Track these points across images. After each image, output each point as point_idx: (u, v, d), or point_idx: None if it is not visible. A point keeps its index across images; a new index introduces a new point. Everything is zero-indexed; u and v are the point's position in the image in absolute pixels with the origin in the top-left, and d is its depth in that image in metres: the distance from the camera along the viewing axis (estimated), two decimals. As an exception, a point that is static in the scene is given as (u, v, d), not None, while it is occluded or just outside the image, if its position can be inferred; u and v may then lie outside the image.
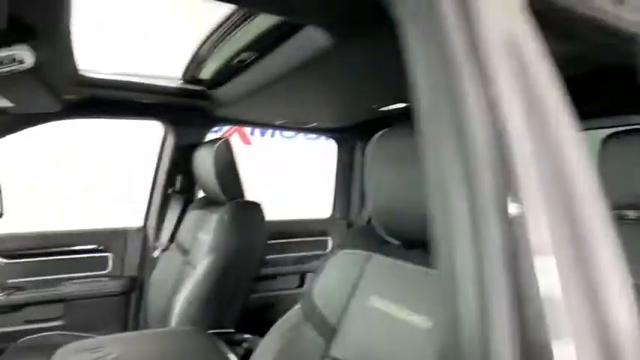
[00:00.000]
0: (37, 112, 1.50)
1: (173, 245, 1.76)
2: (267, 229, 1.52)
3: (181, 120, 1.82)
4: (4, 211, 1.83)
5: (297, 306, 0.95)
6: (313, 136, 2.70)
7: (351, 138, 2.25)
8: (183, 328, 1.28)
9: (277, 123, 1.98)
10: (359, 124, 2.01)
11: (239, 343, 1.32)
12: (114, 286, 1.79)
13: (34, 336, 1.58)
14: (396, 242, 0.82)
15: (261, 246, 1.47)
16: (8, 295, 1.59)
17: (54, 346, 1.52)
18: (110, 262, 1.82)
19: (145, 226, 1.91)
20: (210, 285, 1.33)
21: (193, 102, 1.68)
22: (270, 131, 3.82)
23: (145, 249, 1.88)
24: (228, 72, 1.38)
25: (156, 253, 1.84)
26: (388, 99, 1.49)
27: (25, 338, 1.55)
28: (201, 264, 1.37)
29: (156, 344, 1.14)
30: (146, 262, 1.87)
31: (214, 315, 1.37)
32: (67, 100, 1.47)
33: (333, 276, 0.90)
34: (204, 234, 1.54)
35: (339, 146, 2.32)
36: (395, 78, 0.70)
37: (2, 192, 1.82)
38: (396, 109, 1.59)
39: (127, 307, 1.84)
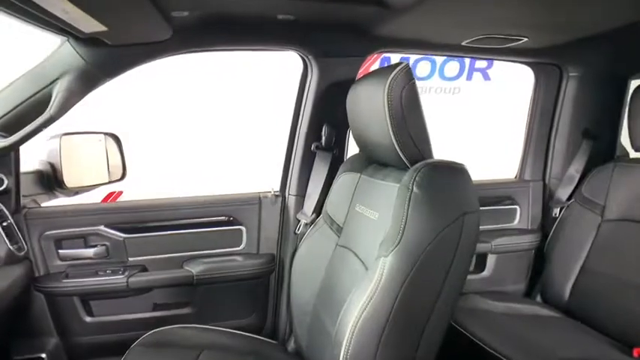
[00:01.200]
0: (140, 40, 1.13)
1: (320, 219, 1.30)
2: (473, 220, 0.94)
3: (329, 46, 1.30)
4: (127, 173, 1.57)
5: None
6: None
7: (565, 64, 1.57)
8: None
9: (465, 42, 1.34)
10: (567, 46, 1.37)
11: None
12: (249, 266, 1.42)
13: (161, 329, 1.27)
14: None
15: (471, 235, 0.89)
16: (130, 276, 1.31)
17: (189, 346, 1.22)
18: (244, 237, 1.45)
19: (283, 193, 1.49)
20: (394, 299, 0.81)
21: (351, 13, 1.14)
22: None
23: (286, 221, 1.48)
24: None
25: (298, 228, 1.41)
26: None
27: (151, 332, 1.25)
28: (374, 262, 0.86)
29: None
30: (287, 237, 1.47)
31: (404, 342, 0.86)
32: (179, 21, 1.08)
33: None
34: (366, 209, 1.04)
35: (539, 79, 1.65)
36: None
37: (124, 153, 1.56)
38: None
39: (265, 293, 1.48)
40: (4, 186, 1.18)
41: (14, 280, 1.14)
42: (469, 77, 3.24)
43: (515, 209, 1.71)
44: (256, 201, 1.44)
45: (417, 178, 0.82)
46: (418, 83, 0.93)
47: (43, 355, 1.27)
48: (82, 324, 1.33)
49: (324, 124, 1.38)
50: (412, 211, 0.80)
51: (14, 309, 1.23)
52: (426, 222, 0.80)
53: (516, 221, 1.71)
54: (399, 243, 0.80)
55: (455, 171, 0.87)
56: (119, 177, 1.53)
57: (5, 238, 1.14)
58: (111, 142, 1.54)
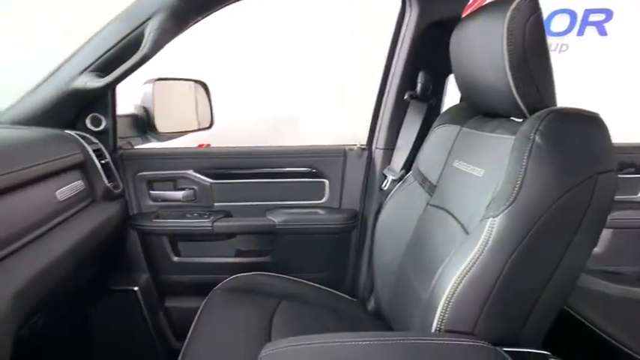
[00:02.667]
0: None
1: (410, 175, 1.19)
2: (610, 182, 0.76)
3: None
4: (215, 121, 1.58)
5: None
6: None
7: None
8: (461, 339, 0.71)
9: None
10: None
11: None
12: (331, 220, 1.37)
13: (242, 275, 1.29)
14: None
15: (604, 201, 0.72)
16: (216, 220, 1.32)
17: (269, 294, 1.22)
18: (327, 190, 1.40)
19: (369, 146, 1.40)
20: (502, 267, 0.69)
21: None
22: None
23: (371, 176, 1.39)
24: None
25: (385, 185, 1.32)
26: None
27: (232, 278, 1.27)
28: (477, 224, 0.75)
29: None
30: (372, 194, 1.39)
31: (506, 318, 0.75)
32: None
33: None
34: (467, 165, 0.90)
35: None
36: None
37: (212, 101, 1.57)
38: None
39: (345, 249, 1.42)
40: (102, 126, 1.22)
41: (112, 215, 1.19)
42: (580, 32, 2.81)
43: None
44: (341, 154, 1.37)
45: (540, 127, 0.67)
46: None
47: (135, 289, 1.34)
48: (170, 263, 1.38)
49: (421, 71, 1.25)
50: (532, 165, 0.66)
51: (112, 243, 1.30)
52: (549, 178, 0.65)
53: (640, 194, 1.47)
54: (513, 202, 0.67)
55: (588, 120, 0.70)
56: (207, 125, 1.55)
57: (104, 176, 1.18)
58: (200, 90, 1.55)
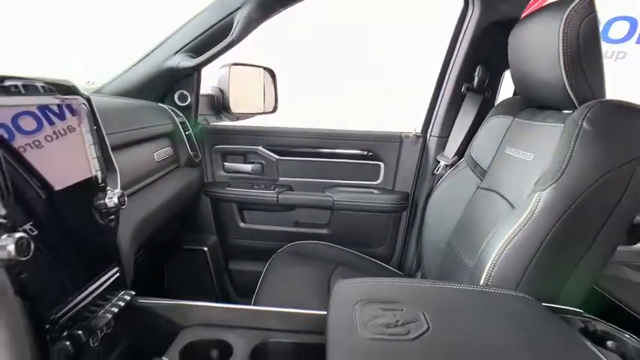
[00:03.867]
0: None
1: (463, 162, 1.28)
2: None
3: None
4: (279, 106, 1.73)
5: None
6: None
7: None
8: (507, 291, 0.81)
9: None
10: None
11: (602, 338, 0.77)
12: (384, 200, 1.48)
13: (301, 242, 1.43)
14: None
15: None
16: (280, 192, 1.47)
17: (324, 258, 1.35)
18: (382, 173, 1.51)
19: (425, 133, 1.50)
20: (545, 235, 0.78)
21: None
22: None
23: (424, 161, 1.49)
24: None
25: (438, 169, 1.42)
26: None
27: (293, 243, 1.41)
28: (526, 200, 0.84)
29: (482, 314, 0.69)
30: (423, 178, 1.49)
31: (547, 280, 0.84)
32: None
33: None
34: (519, 151, 0.99)
35: None
36: None
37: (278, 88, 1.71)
38: None
39: (396, 228, 1.53)
40: (187, 102, 1.39)
41: (192, 180, 1.36)
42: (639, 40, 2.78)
43: None
44: (397, 139, 1.48)
45: (588, 114, 0.76)
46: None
47: (205, 249, 1.51)
48: (237, 228, 1.54)
49: (479, 65, 1.34)
50: (579, 147, 0.76)
51: (189, 206, 1.48)
52: (592, 158, 0.75)
53: None
54: (559, 178, 0.76)
55: (632, 111, 0.78)
56: (271, 109, 1.70)
57: (188, 145, 1.35)
58: (268, 76, 1.70)
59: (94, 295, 0.66)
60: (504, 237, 0.80)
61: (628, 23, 2.75)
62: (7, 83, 0.55)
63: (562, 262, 0.81)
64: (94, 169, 0.68)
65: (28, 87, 0.58)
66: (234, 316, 0.79)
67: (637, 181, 0.75)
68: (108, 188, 0.71)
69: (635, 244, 1.47)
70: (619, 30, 2.77)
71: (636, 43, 2.78)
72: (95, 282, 0.67)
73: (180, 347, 0.72)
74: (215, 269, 1.53)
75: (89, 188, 0.67)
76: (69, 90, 0.67)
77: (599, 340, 0.74)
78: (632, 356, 0.68)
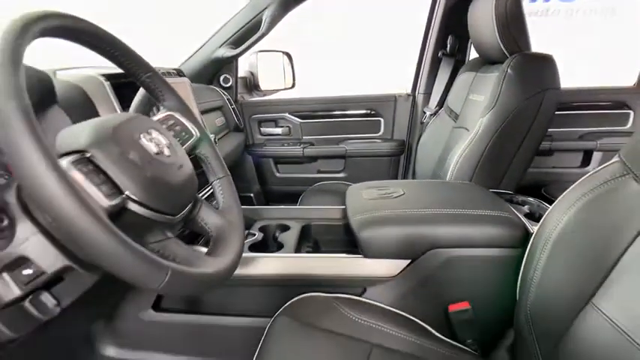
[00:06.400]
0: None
1: (442, 110, 1.70)
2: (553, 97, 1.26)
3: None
4: (296, 82, 2.15)
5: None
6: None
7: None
8: (460, 181, 1.25)
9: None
10: None
11: (521, 204, 1.21)
12: (385, 147, 1.91)
13: (324, 183, 1.87)
14: None
15: (549, 108, 1.24)
16: (305, 148, 1.90)
17: (340, 191, 1.79)
18: (382, 126, 1.94)
19: (414, 92, 1.92)
20: (486, 145, 1.23)
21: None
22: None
23: (414, 114, 1.91)
24: None
25: (425, 119, 1.84)
26: None
27: (317, 184, 1.85)
28: (476, 125, 1.28)
29: (437, 189, 1.14)
30: (415, 127, 1.91)
31: (490, 176, 1.28)
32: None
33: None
34: (477, 95, 1.42)
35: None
36: None
37: (294, 66, 2.13)
38: None
39: (396, 167, 1.96)
40: (229, 83, 1.83)
41: (240, 142, 1.81)
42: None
43: (629, 114, 1.86)
44: (392, 99, 1.90)
45: (511, 63, 1.20)
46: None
47: (251, 195, 1.97)
48: (274, 178, 1.99)
49: (450, 35, 1.75)
50: (505, 86, 1.20)
51: (236, 163, 1.93)
52: (514, 92, 1.20)
53: (629, 125, 1.86)
54: (493, 107, 1.21)
55: (540, 59, 1.23)
56: (290, 86, 2.12)
57: (234, 115, 1.79)
58: (286, 59, 2.12)
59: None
60: (461, 148, 1.24)
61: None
62: (161, 71, 0.99)
63: (500, 160, 1.25)
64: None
65: (171, 72, 1.02)
66: (286, 213, 1.22)
67: (545, 104, 1.18)
68: None
69: (587, 166, 1.88)
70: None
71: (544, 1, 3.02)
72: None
73: (260, 225, 1.16)
74: (259, 210, 1.99)
75: None
76: (180, 73, 1.12)
77: (518, 204, 1.18)
78: (535, 211, 1.11)
